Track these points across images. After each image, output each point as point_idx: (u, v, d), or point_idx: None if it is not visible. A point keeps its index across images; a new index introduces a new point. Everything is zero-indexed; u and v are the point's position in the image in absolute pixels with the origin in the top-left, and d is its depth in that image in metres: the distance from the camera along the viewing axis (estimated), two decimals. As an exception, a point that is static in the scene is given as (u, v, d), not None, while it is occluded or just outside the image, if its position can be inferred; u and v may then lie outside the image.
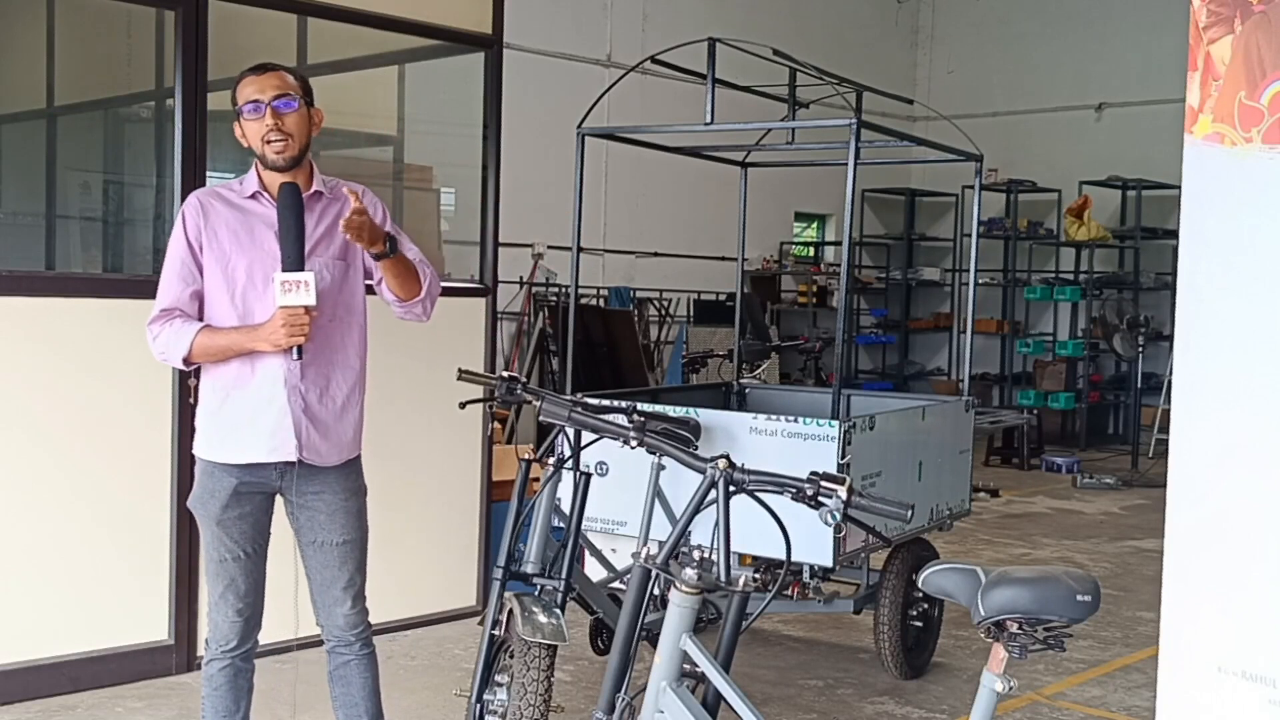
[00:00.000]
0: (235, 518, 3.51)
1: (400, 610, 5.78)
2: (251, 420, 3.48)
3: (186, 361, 3.46)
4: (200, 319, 3.49)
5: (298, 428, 3.48)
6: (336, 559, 3.60)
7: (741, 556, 4.92)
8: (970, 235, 6.25)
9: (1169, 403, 5.52)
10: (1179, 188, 3.07)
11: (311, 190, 3.53)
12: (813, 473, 2.79)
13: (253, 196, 3.52)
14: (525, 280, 11.49)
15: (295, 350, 3.41)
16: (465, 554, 6.13)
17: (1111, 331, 12.62)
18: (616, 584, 4.98)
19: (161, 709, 4.83)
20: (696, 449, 3.32)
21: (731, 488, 2.86)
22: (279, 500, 3.62)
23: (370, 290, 3.70)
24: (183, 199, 5.08)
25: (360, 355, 3.66)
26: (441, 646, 5.70)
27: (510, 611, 3.83)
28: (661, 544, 2.87)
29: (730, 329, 8.85)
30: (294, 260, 3.39)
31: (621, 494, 4.97)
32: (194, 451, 3.58)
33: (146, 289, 5.13)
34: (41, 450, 4.85)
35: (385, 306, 3.76)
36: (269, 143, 3.43)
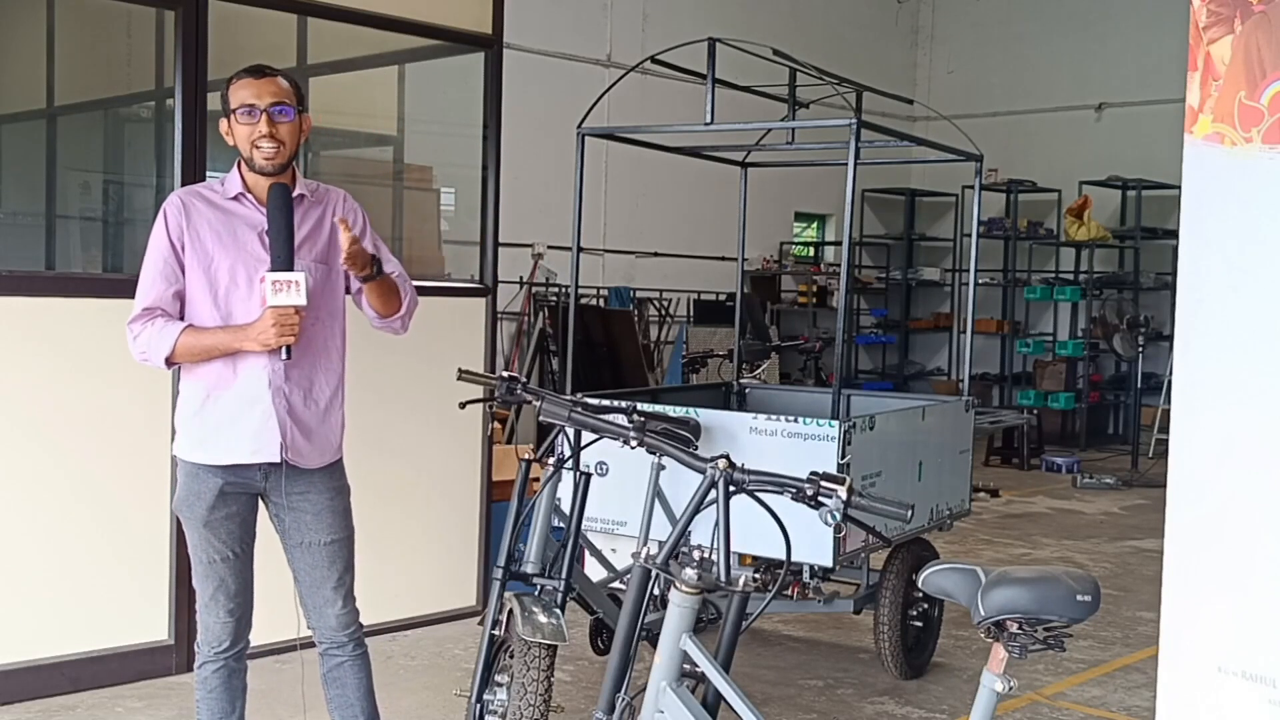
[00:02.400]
0: (222, 518, 3.50)
1: (400, 610, 5.78)
2: (234, 421, 3.47)
3: (168, 362, 3.43)
4: (181, 319, 3.46)
5: (283, 429, 3.47)
6: (325, 559, 3.59)
7: (741, 556, 4.92)
8: (970, 235, 6.25)
9: (1169, 403, 5.52)
10: (1179, 188, 3.07)
11: (295, 193, 3.51)
12: (813, 473, 2.79)
13: (236, 198, 3.50)
14: (525, 280, 11.50)
15: (284, 350, 3.40)
16: (465, 554, 6.13)
17: (1111, 331, 12.62)
18: (616, 584, 4.98)
19: (161, 709, 4.83)
20: (696, 449, 3.32)
21: (731, 488, 2.86)
22: (262, 502, 3.61)
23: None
24: (183, 199, 5.11)
25: (341, 358, 3.66)
26: (441, 646, 5.70)
27: (510, 611, 3.83)
28: (661, 544, 2.87)
29: (730, 329, 8.86)
30: (284, 260, 3.38)
31: (621, 494, 4.97)
32: (175, 453, 3.56)
33: (146, 289, 5.17)
34: (41, 450, 4.85)
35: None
36: (258, 147, 3.42)
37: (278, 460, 3.48)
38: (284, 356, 3.41)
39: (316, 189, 3.63)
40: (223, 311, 3.46)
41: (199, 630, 3.62)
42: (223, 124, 3.51)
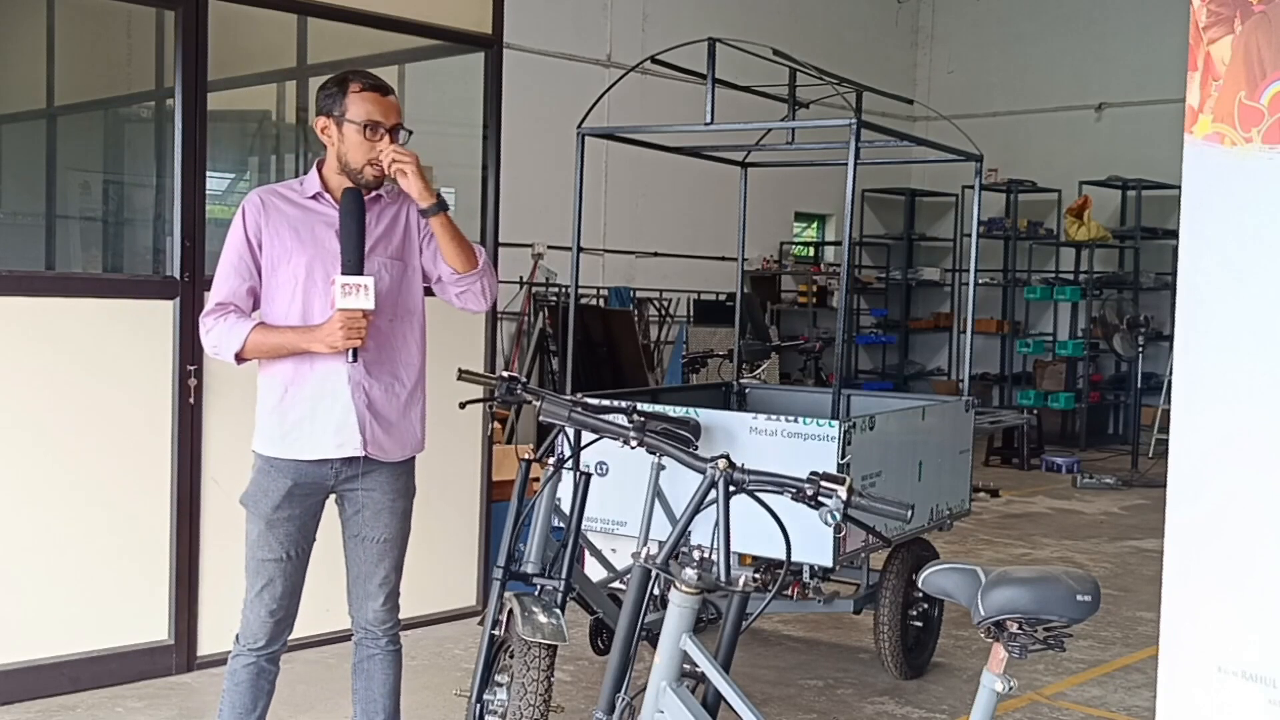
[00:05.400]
0: (284, 519, 3.55)
1: (400, 610, 5.76)
2: (313, 416, 3.52)
3: (238, 358, 3.50)
4: (253, 314, 3.54)
5: (362, 423, 3.53)
6: (375, 555, 3.66)
7: (741, 556, 4.92)
8: (970, 235, 6.25)
9: (1169, 403, 5.52)
10: (1179, 188, 3.07)
11: (372, 194, 3.57)
12: (813, 473, 2.79)
13: (314, 197, 3.57)
14: (525, 280, 11.49)
15: (350, 353, 3.45)
16: (465, 554, 6.12)
17: (1111, 331, 12.62)
18: (616, 584, 4.98)
19: (161, 709, 4.83)
20: (696, 449, 3.32)
21: (731, 488, 2.86)
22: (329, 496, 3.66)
23: (428, 292, 3.75)
24: (183, 199, 5.13)
25: (421, 354, 3.70)
26: (441, 646, 5.70)
27: (510, 611, 3.83)
28: (661, 544, 2.87)
29: (730, 329, 8.85)
30: (354, 264, 3.43)
31: (621, 494, 4.97)
32: (254, 449, 3.61)
33: (147, 289, 5.18)
34: (42, 450, 4.85)
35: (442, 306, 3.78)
36: (373, 164, 3.49)
37: (361, 454, 3.53)
38: (350, 359, 3.47)
39: (393, 189, 3.67)
40: (300, 307, 3.52)
41: (239, 623, 3.65)
42: (320, 121, 3.55)
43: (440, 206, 3.52)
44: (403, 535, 3.72)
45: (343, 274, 3.42)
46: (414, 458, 3.74)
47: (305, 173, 3.67)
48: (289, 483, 3.53)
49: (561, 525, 4.22)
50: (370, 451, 3.55)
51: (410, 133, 3.58)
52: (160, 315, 5.10)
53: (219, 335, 3.50)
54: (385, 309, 3.53)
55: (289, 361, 3.52)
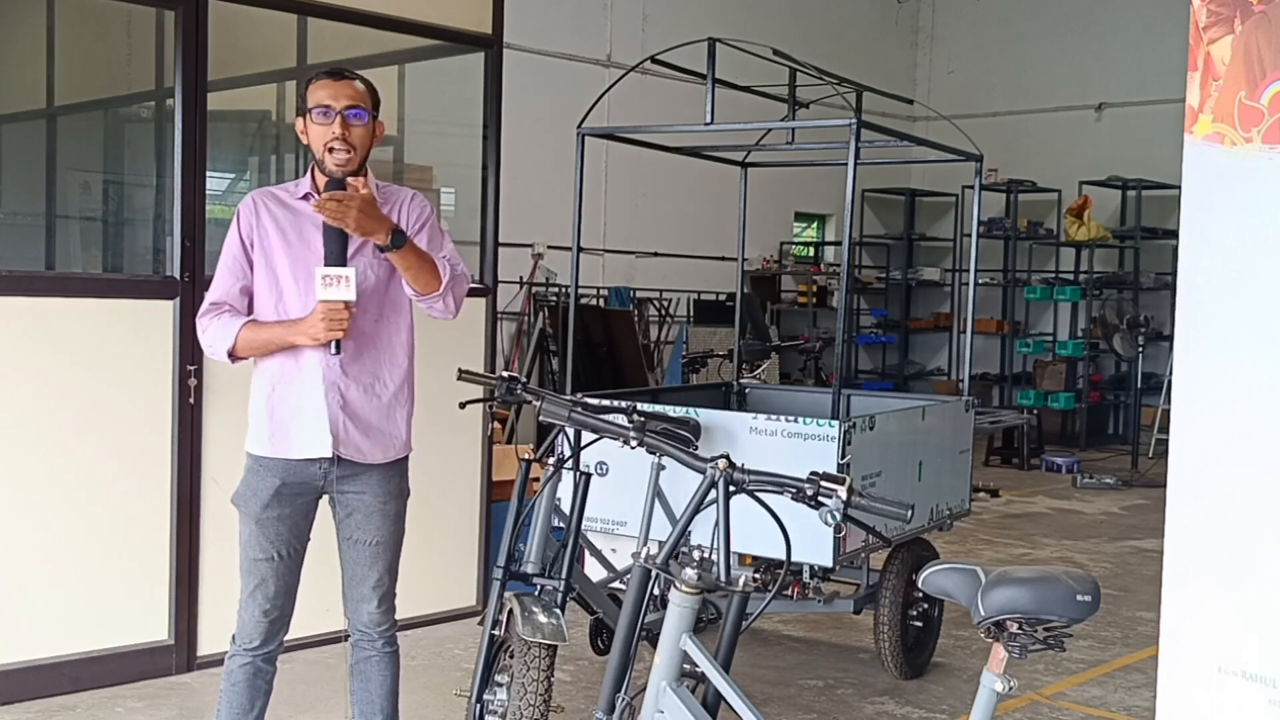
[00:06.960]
0: (274, 518, 3.54)
1: (400, 610, 5.71)
2: (296, 415, 3.53)
3: (232, 356, 3.52)
4: (249, 314, 3.55)
5: (334, 424, 3.52)
6: (368, 558, 3.65)
7: (741, 556, 4.92)
8: (970, 235, 6.25)
9: (1169, 403, 5.52)
10: (1179, 188, 3.07)
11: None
12: (813, 473, 2.79)
13: (304, 197, 3.57)
14: (525, 280, 11.49)
15: (334, 345, 3.45)
16: (465, 554, 6.12)
17: (1111, 331, 12.63)
18: (616, 584, 4.98)
19: (161, 709, 4.83)
20: (696, 449, 3.32)
21: (731, 488, 2.86)
22: (322, 499, 3.66)
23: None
24: (183, 199, 5.14)
25: (408, 354, 3.70)
26: (441, 646, 5.70)
27: (510, 611, 3.83)
28: (661, 544, 2.87)
29: (730, 329, 8.85)
30: (336, 256, 3.43)
31: (621, 494, 4.97)
32: (246, 448, 3.61)
33: (146, 289, 5.18)
34: (41, 450, 4.85)
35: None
36: (331, 151, 3.44)
37: (329, 455, 3.52)
38: (333, 351, 3.47)
39: (384, 188, 3.67)
40: (283, 307, 3.53)
41: (235, 624, 3.65)
42: (299, 123, 3.56)
43: (398, 242, 3.41)
44: (396, 537, 3.71)
45: (324, 265, 3.41)
46: (406, 459, 3.73)
47: (304, 173, 3.68)
48: (277, 482, 3.53)
49: (561, 525, 4.22)
50: (343, 453, 3.54)
51: (375, 115, 3.51)
52: (160, 315, 5.10)
53: (213, 334, 3.53)
54: (371, 308, 3.53)
55: (276, 359, 3.53)
